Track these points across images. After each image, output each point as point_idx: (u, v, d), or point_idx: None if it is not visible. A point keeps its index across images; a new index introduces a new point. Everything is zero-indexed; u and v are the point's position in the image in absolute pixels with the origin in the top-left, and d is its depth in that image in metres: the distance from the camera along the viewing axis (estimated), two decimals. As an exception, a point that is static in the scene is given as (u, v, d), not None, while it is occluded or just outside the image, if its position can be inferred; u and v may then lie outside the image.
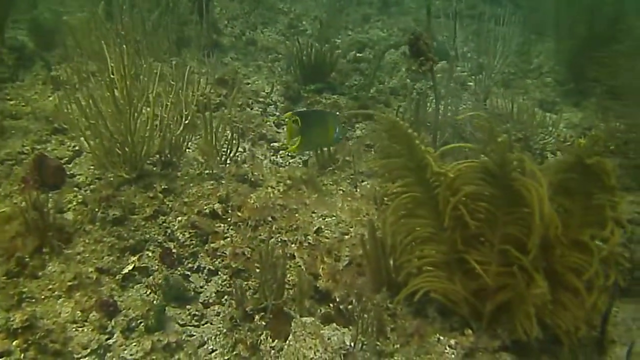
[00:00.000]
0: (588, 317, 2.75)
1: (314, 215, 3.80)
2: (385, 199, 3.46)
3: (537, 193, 2.36)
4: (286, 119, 3.88)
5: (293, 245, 3.57)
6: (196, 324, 3.31)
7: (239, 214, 3.78)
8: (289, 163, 5.12)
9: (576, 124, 6.63)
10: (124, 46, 3.65)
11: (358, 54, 8.24)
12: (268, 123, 5.66)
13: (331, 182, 4.41)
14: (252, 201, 3.87)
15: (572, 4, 8.71)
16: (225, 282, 3.48)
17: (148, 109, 3.86)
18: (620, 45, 6.21)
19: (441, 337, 2.73)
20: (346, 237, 3.59)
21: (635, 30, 7.30)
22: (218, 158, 4.43)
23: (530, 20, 10.49)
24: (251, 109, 5.89)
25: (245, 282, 3.41)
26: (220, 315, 3.34)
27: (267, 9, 9.61)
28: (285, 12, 9.75)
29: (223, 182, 4.09)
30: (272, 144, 5.34)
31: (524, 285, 2.51)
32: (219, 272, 3.55)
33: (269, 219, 3.74)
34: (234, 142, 4.46)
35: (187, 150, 4.43)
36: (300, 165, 5.01)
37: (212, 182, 4.04)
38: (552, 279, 2.52)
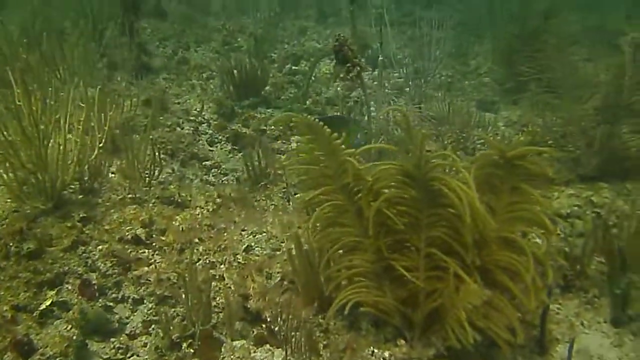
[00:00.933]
0: (525, 319, 2.67)
1: (243, 233, 3.65)
2: (309, 208, 3.33)
3: (465, 193, 2.26)
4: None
5: (222, 266, 3.40)
6: (121, 357, 3.10)
7: (163, 238, 3.59)
8: (222, 181, 4.95)
9: (515, 121, 6.64)
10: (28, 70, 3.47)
11: (294, 67, 8.15)
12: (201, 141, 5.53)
13: (264, 198, 4.26)
14: (177, 223, 3.70)
15: (505, 2, 8.80)
16: (151, 311, 3.28)
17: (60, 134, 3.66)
18: (551, 39, 6.21)
19: (375, 350, 2.65)
20: (277, 253, 3.45)
21: (568, 24, 7.38)
22: (142, 181, 4.23)
23: (468, 22, 10.62)
24: (182, 128, 5.71)
25: (173, 309, 3.23)
26: (147, 346, 3.14)
27: (200, 28, 9.49)
28: (219, 29, 9.63)
29: (146, 205, 3.90)
30: (203, 163, 5.17)
31: (453, 289, 2.40)
32: (145, 301, 3.35)
33: (196, 240, 3.57)
34: (157, 163, 4.27)
35: (111, 174, 4.23)
36: (232, 182, 4.85)
37: (134, 206, 3.84)
38: (484, 280, 2.42)
